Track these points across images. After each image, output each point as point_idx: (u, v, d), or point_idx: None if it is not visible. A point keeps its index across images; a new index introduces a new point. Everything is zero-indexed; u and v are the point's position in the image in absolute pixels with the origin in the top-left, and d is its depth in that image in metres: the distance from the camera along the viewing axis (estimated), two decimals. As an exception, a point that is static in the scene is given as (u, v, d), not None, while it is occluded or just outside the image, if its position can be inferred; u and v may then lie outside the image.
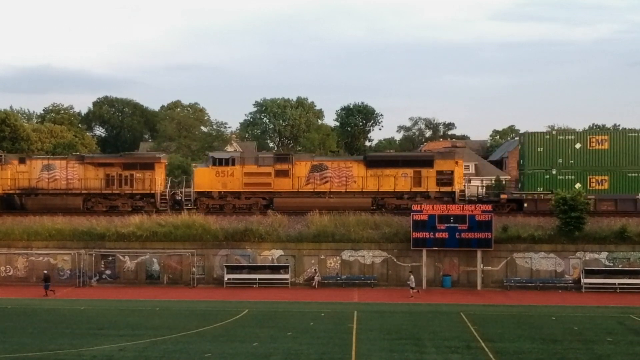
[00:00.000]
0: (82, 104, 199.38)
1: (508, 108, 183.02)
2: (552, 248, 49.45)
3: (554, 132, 59.75)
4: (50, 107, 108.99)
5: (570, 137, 55.27)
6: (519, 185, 57.72)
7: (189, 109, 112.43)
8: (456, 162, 55.34)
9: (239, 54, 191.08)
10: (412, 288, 46.19)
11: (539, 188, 54.37)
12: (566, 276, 49.33)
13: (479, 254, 49.01)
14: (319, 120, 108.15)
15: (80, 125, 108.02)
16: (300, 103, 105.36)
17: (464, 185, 56.12)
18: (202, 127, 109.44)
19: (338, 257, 50.53)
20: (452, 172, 54.42)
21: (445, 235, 48.62)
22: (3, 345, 32.62)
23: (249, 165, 55.27)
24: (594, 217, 51.12)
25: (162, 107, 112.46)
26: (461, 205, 49.88)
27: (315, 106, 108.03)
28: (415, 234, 48.92)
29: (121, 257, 51.17)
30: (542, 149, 54.56)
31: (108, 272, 51.15)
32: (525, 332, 35.86)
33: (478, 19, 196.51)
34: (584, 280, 48.45)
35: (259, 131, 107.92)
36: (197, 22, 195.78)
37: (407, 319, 39.10)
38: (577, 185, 52.98)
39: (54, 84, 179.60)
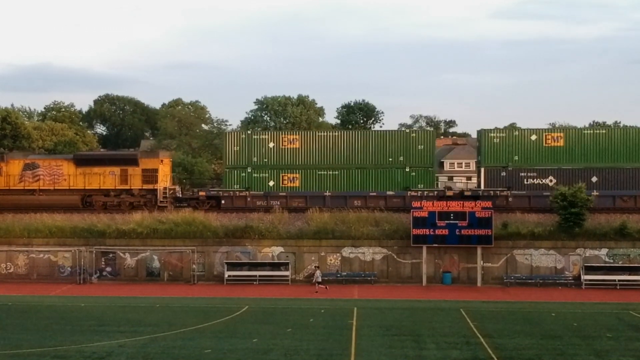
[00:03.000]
0: (83, 102, 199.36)
1: (510, 106, 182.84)
2: (552, 245, 49.47)
3: (249, 132, 61.32)
4: (52, 105, 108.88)
5: (263, 136, 56.98)
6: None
7: (189, 107, 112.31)
8: (161, 161, 56.47)
9: (240, 52, 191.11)
10: (319, 283, 46.65)
11: (235, 185, 55.42)
12: (566, 273, 49.35)
13: (479, 251, 49.04)
14: (320, 118, 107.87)
15: (81, 123, 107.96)
16: (301, 101, 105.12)
17: (169, 183, 57.64)
18: (203, 125, 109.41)
19: (338, 254, 50.59)
20: (156, 170, 55.49)
21: (445, 232, 48.66)
22: (4, 342, 32.69)
23: None
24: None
25: (163, 105, 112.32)
26: (461, 202, 49.90)
27: (317, 104, 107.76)
28: (415, 231, 48.95)
29: (121, 254, 51.23)
30: (238, 147, 55.91)
31: (108, 269, 51.23)
32: (525, 328, 35.90)
33: (480, 17, 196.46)
34: (584, 277, 48.47)
35: (259, 129, 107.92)
36: (198, 21, 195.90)
37: (407, 315, 39.14)
38: (271, 183, 55.00)
39: (55, 82, 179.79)
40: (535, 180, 54.11)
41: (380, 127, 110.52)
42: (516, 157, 54.29)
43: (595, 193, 52.35)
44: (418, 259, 49.71)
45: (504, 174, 54.19)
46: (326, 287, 46.70)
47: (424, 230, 48.81)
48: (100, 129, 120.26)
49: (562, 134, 54.73)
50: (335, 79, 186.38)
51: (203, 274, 50.85)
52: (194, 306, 42.03)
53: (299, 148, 55.52)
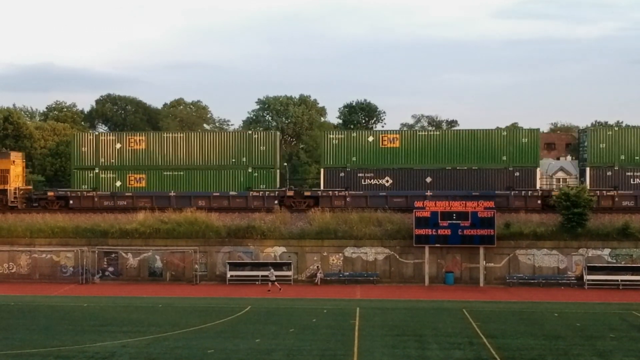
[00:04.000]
0: (85, 102, 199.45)
1: (511, 105, 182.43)
2: (554, 245, 49.44)
3: (97, 133, 62.68)
4: (53, 105, 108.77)
5: (111, 137, 57.92)
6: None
7: (191, 106, 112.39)
8: (13, 162, 57.15)
9: (241, 52, 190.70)
10: (272, 282, 46.95)
11: (83, 186, 55.97)
12: (569, 273, 49.31)
13: (481, 251, 49.00)
14: (322, 118, 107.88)
15: (83, 123, 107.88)
16: (303, 101, 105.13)
17: (22, 184, 57.90)
18: (205, 125, 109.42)
19: (340, 254, 50.58)
20: (7, 171, 56.14)
21: (447, 232, 48.63)
22: (6, 342, 32.68)
23: None
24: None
25: (165, 104, 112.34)
26: (464, 202, 49.86)
27: (318, 104, 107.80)
28: (417, 231, 48.92)
29: (124, 254, 51.24)
30: (86, 148, 56.90)
31: (111, 269, 51.24)
32: (528, 328, 35.85)
33: (481, 17, 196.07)
34: (587, 277, 48.42)
35: (261, 128, 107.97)
36: (199, 21, 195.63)
37: (409, 315, 39.11)
38: (118, 184, 55.62)
39: (56, 82, 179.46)
40: (372, 180, 54.74)
41: (382, 127, 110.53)
42: (354, 158, 54.95)
43: (429, 193, 53.38)
44: (420, 259, 49.67)
45: (342, 174, 54.84)
46: (279, 288, 46.92)
47: (427, 230, 48.78)
48: (102, 129, 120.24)
49: (398, 136, 55.54)
50: (337, 78, 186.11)
51: (205, 273, 50.84)
52: (196, 306, 42.03)
53: (144, 149, 56.17)
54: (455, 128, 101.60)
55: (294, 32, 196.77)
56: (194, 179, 55.71)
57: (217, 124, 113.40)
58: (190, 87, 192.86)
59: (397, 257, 50.30)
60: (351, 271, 50.42)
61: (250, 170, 55.46)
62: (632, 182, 53.51)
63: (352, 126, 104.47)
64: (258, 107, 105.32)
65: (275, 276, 48.02)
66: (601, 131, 55.87)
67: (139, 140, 56.30)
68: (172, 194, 55.43)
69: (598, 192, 53.03)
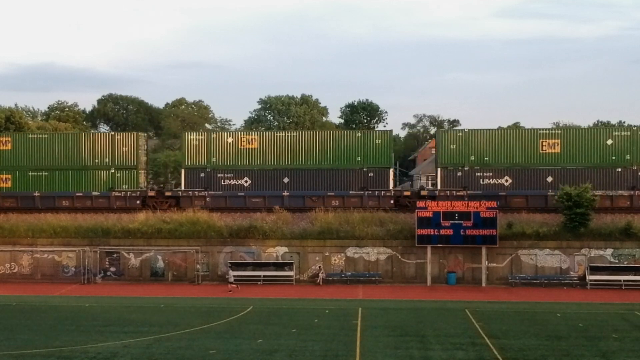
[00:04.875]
0: (87, 102, 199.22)
1: (513, 105, 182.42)
2: (557, 245, 49.37)
3: None
4: (55, 105, 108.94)
5: None
6: None
7: (193, 106, 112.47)
8: None
9: (243, 52, 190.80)
10: (231, 283, 47.25)
11: None
12: (571, 273, 49.24)
13: (483, 251, 48.95)
14: (324, 118, 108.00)
15: (85, 122, 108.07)
16: (305, 100, 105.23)
17: None
18: (207, 124, 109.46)
19: (342, 254, 50.54)
20: None
21: (450, 232, 48.58)
22: (8, 342, 32.68)
23: None
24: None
25: (167, 104, 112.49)
26: (466, 202, 49.83)
27: (320, 103, 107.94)
28: (420, 231, 48.87)
29: (126, 254, 51.24)
30: None
31: (113, 269, 51.23)
32: (530, 328, 35.79)
33: (483, 16, 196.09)
34: (589, 277, 48.35)
35: (263, 128, 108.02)
36: (201, 20, 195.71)
37: (411, 315, 39.06)
38: None
39: (58, 81, 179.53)
40: (232, 181, 55.25)
41: (384, 126, 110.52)
42: (214, 159, 55.51)
43: (285, 193, 54.40)
44: (423, 259, 49.64)
45: (203, 175, 55.35)
46: (238, 287, 47.14)
47: (429, 230, 48.73)
48: (104, 129, 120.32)
49: (256, 137, 56.35)
50: (339, 78, 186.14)
51: (207, 274, 50.83)
52: (198, 306, 42.00)
53: (10, 150, 56.54)
54: (312, 130, 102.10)
55: (295, 32, 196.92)
56: (59, 179, 56.23)
57: (218, 124, 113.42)
58: (192, 87, 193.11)
59: (399, 257, 50.26)
60: (353, 271, 50.39)
61: (112, 170, 55.98)
62: (481, 182, 54.36)
63: (353, 125, 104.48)
64: (260, 106, 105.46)
65: (234, 276, 48.22)
66: (451, 133, 56.69)
67: (6, 141, 57.05)
68: (36, 194, 56.10)
69: (448, 192, 53.90)
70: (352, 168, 54.98)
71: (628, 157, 53.69)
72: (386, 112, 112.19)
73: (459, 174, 54.35)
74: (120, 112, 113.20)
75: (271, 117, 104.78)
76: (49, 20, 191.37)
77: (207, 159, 55.71)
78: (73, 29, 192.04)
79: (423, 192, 54.83)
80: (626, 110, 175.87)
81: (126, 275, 51.23)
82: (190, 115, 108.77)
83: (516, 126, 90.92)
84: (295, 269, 50.35)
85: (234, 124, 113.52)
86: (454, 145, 54.57)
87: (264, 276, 50.01)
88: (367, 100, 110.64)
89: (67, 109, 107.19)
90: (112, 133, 61.38)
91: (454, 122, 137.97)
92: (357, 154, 55.08)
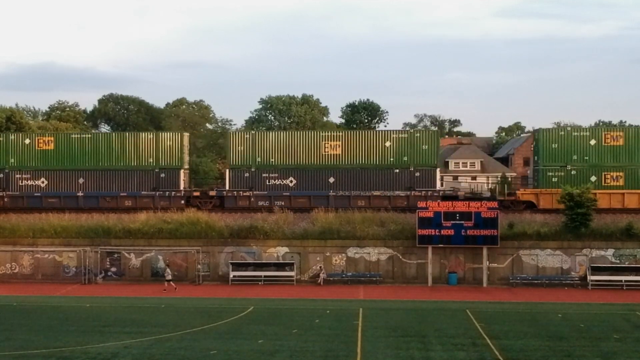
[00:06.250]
0: (88, 102, 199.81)
1: (514, 105, 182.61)
2: (558, 245, 49.30)
3: None
4: (56, 105, 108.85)
5: None
6: None
7: (194, 106, 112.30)
8: None
9: (243, 52, 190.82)
10: (168, 281, 47.29)
11: None
12: (572, 273, 49.18)
13: (484, 251, 48.89)
14: (325, 118, 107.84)
15: (85, 122, 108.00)
16: (306, 100, 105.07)
17: None
18: (208, 124, 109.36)
19: (343, 255, 50.49)
20: None
21: (451, 232, 48.52)
22: (9, 343, 32.67)
23: None
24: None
25: (167, 104, 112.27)
26: (467, 202, 49.77)
27: (321, 103, 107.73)
28: (420, 231, 48.82)
29: (126, 254, 51.20)
30: None
31: (113, 269, 51.17)
32: (532, 329, 35.74)
33: (484, 15, 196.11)
34: (590, 277, 48.28)
35: (264, 128, 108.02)
36: (201, 20, 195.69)
37: (412, 316, 39.02)
38: None
39: (58, 81, 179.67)
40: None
41: (385, 126, 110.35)
42: (12, 160, 56.80)
43: (80, 194, 56.31)
44: (423, 259, 49.58)
45: (247, 174, 56.06)
46: (175, 287, 47.04)
47: (430, 230, 48.67)
48: (105, 129, 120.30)
49: (52, 138, 57.67)
50: (340, 78, 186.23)
51: (208, 274, 50.79)
52: (199, 307, 41.95)
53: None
54: (108, 131, 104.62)
55: (296, 32, 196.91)
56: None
57: (219, 124, 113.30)
58: (193, 87, 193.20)
59: (400, 257, 50.20)
60: (354, 271, 50.34)
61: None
62: (267, 183, 55.70)
63: (354, 125, 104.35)
64: (260, 106, 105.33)
65: (171, 275, 48.21)
66: (239, 134, 59.38)
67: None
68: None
69: (236, 192, 55.40)
70: (144, 169, 56.54)
71: (405, 158, 55.44)
72: (387, 112, 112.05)
73: (247, 174, 55.85)
74: (121, 112, 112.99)
75: (272, 117, 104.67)
76: (49, 20, 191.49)
77: (4, 160, 56.78)
78: (74, 29, 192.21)
79: (211, 193, 57.03)
80: (626, 110, 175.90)
81: (127, 275, 51.16)
82: (191, 115, 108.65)
83: (301, 128, 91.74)
84: (296, 269, 50.30)
85: (234, 124, 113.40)
86: (242, 147, 56.33)
87: (265, 276, 49.97)
88: (368, 100, 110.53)
89: (67, 109, 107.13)
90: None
91: (454, 122, 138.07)
92: (149, 155, 56.65)
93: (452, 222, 48.51)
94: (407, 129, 61.57)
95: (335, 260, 50.57)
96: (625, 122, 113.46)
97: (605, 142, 54.41)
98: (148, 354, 30.74)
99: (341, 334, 34.37)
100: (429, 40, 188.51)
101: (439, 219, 48.55)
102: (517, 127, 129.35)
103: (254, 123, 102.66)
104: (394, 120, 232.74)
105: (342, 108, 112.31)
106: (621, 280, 48.05)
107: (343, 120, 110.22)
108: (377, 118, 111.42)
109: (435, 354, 30.74)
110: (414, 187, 55.04)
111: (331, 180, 55.56)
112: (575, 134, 55.31)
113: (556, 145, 54.81)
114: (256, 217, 52.25)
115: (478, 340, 33.35)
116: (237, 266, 50.30)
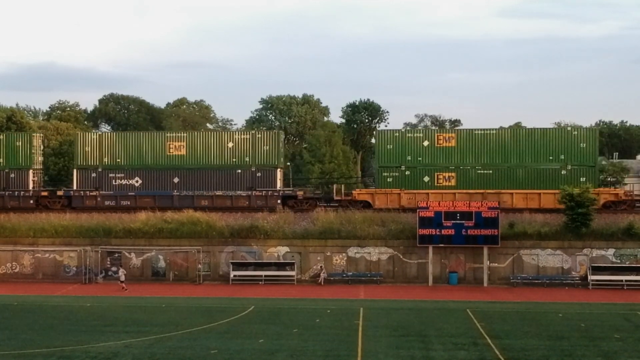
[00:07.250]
0: (88, 102, 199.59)
1: (515, 105, 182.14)
2: (558, 245, 49.30)
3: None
4: (56, 105, 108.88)
5: None
6: None
7: (194, 106, 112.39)
8: None
9: (244, 52, 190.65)
10: (122, 282, 47.61)
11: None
12: (573, 273, 49.17)
13: (485, 251, 48.88)
14: (325, 117, 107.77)
15: (86, 122, 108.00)
16: (306, 100, 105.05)
17: None
18: (208, 124, 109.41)
19: (344, 254, 50.49)
20: None
21: (451, 232, 48.51)
22: (10, 342, 32.69)
23: None
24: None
25: (168, 104, 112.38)
26: (467, 202, 49.77)
27: (321, 103, 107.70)
28: (421, 231, 48.81)
29: (127, 254, 51.19)
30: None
31: (114, 268, 51.14)
32: (532, 329, 35.74)
33: (484, 15, 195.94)
34: (591, 277, 48.27)
35: (264, 128, 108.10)
36: (202, 20, 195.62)
37: (413, 315, 39.01)
38: None
39: (59, 81, 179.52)
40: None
41: (386, 126, 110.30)
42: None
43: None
44: (424, 259, 49.58)
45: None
46: (126, 288, 47.31)
47: (430, 230, 48.67)
48: (106, 128, 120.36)
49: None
50: (340, 78, 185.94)
51: (208, 273, 50.79)
52: (199, 306, 41.96)
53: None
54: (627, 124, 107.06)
55: (297, 32, 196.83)
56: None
57: (220, 124, 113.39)
58: (193, 87, 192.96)
59: (401, 257, 50.20)
60: (355, 271, 50.34)
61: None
62: (114, 183, 56.34)
63: (355, 125, 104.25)
64: (261, 106, 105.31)
65: (125, 275, 48.38)
66: (88, 135, 60.00)
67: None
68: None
69: (83, 192, 56.47)
70: (17, 168, 57.42)
71: (247, 159, 56.09)
72: (388, 111, 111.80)
73: (94, 174, 56.43)
74: (122, 112, 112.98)
75: (272, 117, 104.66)
76: (50, 20, 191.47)
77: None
78: (74, 29, 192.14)
79: (59, 192, 57.73)
80: (627, 110, 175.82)
81: (127, 275, 51.08)
82: (192, 115, 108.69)
83: (147, 130, 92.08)
84: (297, 269, 50.30)
85: (235, 124, 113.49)
86: (89, 147, 56.72)
87: (266, 276, 49.97)
88: (368, 99, 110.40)
89: (68, 109, 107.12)
90: (253, 131, 61.31)
91: (455, 122, 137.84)
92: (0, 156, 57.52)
93: (452, 221, 48.50)
94: (251, 130, 62.74)
95: (336, 260, 50.57)
96: (626, 122, 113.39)
97: (438, 144, 55.37)
98: (149, 353, 30.74)
99: (342, 334, 34.36)
100: (429, 40, 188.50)
101: (439, 219, 48.54)
102: (518, 127, 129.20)
103: (254, 123, 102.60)
104: (395, 120, 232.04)
105: (342, 108, 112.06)
106: (622, 280, 48.04)
107: (344, 120, 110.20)
108: (378, 118, 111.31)
109: (436, 354, 30.74)
110: (255, 187, 55.60)
111: (175, 180, 56.24)
112: (410, 135, 56.54)
113: (391, 146, 55.73)
114: (257, 217, 52.24)
115: (479, 339, 33.35)
116: (238, 266, 50.32)
